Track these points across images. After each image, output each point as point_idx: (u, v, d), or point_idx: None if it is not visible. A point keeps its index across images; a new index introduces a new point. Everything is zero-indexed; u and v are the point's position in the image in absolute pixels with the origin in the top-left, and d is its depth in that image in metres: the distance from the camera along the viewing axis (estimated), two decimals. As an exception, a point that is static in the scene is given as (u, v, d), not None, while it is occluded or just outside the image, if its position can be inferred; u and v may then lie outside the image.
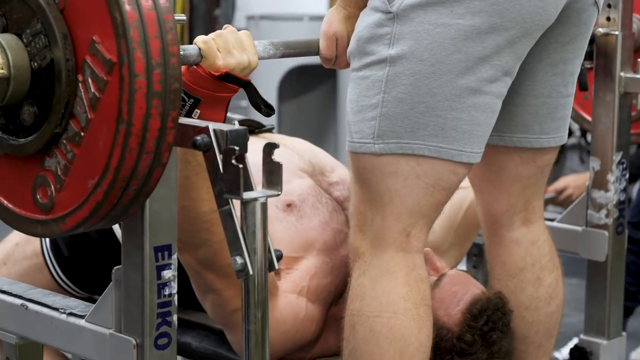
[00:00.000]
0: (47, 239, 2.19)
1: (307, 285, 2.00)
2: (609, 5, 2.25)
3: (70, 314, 1.63)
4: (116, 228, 2.12)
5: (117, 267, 1.54)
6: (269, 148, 1.46)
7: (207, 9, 5.91)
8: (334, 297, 2.05)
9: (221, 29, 1.76)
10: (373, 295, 1.79)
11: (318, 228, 2.05)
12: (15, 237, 2.24)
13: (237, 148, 1.40)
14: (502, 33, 1.73)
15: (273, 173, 1.46)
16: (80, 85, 1.39)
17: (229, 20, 5.75)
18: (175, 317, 1.53)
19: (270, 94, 5.09)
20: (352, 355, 1.81)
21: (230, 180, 1.41)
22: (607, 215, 2.30)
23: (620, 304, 2.36)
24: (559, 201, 3.63)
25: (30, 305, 1.67)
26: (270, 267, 1.47)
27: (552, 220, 2.37)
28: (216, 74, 1.70)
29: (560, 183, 3.68)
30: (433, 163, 1.76)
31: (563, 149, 2.03)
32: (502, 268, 2.03)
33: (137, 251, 1.50)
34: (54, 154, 1.43)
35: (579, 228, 2.34)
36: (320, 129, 5.70)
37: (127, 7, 1.34)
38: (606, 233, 2.30)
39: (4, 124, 1.48)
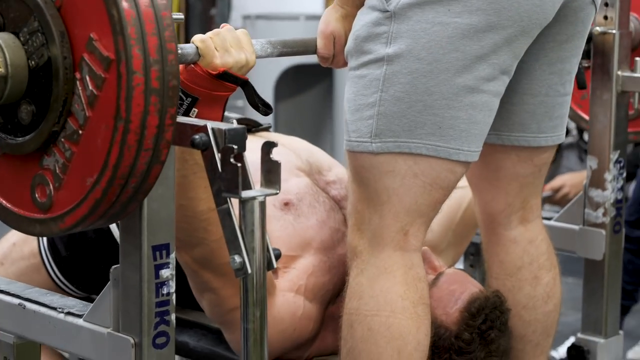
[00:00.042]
0: (45, 239, 2.19)
1: (304, 283, 2.00)
2: (606, 4, 2.26)
3: (68, 313, 1.62)
4: (114, 227, 2.12)
5: (115, 266, 1.54)
6: (267, 147, 1.46)
7: (203, 8, 5.91)
8: (331, 296, 2.05)
9: (217, 28, 1.76)
10: (371, 294, 1.79)
11: (315, 227, 2.05)
12: (13, 236, 2.24)
13: (235, 147, 1.40)
14: (500, 31, 1.73)
15: (271, 172, 1.46)
16: (78, 83, 1.39)
17: (225, 19, 5.75)
18: (173, 316, 1.53)
19: (266, 93, 5.09)
20: (350, 354, 1.81)
21: (228, 179, 1.41)
22: (604, 214, 2.30)
23: (617, 303, 2.36)
24: (556, 200, 3.63)
25: (28, 305, 1.67)
26: (269, 265, 1.47)
27: (549, 219, 2.37)
28: (214, 72, 1.70)
29: (556, 181, 3.68)
30: (430, 162, 1.76)
31: (560, 148, 2.03)
32: (500, 267, 2.03)
33: (135, 250, 1.49)
34: (52, 153, 1.43)
35: (576, 227, 2.34)
36: (317, 128, 5.70)
37: (124, 5, 1.34)
38: (603, 232, 2.30)
39: (2, 123, 1.48)
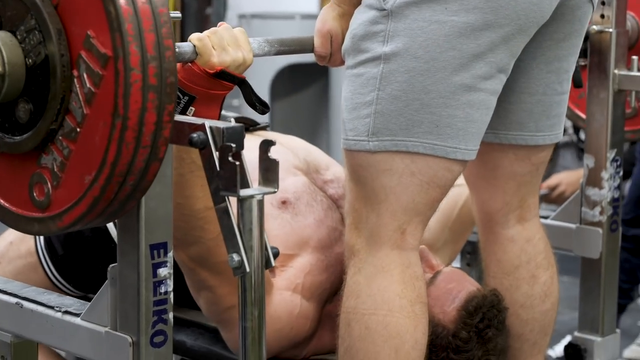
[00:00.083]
0: (42, 238, 2.19)
1: (301, 282, 2.00)
2: (603, 3, 2.26)
3: (66, 312, 1.62)
4: (111, 226, 2.12)
5: (113, 265, 1.53)
6: (265, 145, 1.45)
7: (198, 7, 5.91)
8: (328, 295, 2.05)
9: (213, 27, 1.76)
10: (368, 293, 1.79)
11: (313, 226, 2.05)
12: (10, 235, 2.24)
13: (233, 145, 1.40)
14: (497, 30, 1.72)
15: (269, 170, 1.46)
16: (75, 80, 1.39)
17: (221, 19, 5.74)
18: (171, 315, 1.52)
19: (262, 92, 5.08)
20: (347, 353, 1.81)
21: (226, 177, 1.41)
22: (601, 213, 2.30)
23: (614, 301, 2.36)
24: (552, 198, 3.64)
25: (25, 304, 1.67)
26: (267, 264, 1.47)
27: (546, 217, 2.37)
28: (211, 71, 1.70)
29: (552, 180, 3.68)
30: (428, 160, 1.76)
31: (556, 147, 2.03)
32: (497, 266, 2.03)
33: (132, 249, 1.49)
34: (50, 151, 1.43)
35: (573, 225, 2.34)
36: (313, 127, 5.70)
37: (121, 1, 1.34)
38: (600, 230, 2.30)
39: (-1, 122, 1.48)
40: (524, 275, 2.01)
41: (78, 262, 2.18)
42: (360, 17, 1.78)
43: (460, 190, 2.22)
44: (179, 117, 1.45)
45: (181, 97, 1.69)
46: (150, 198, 1.47)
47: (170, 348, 1.53)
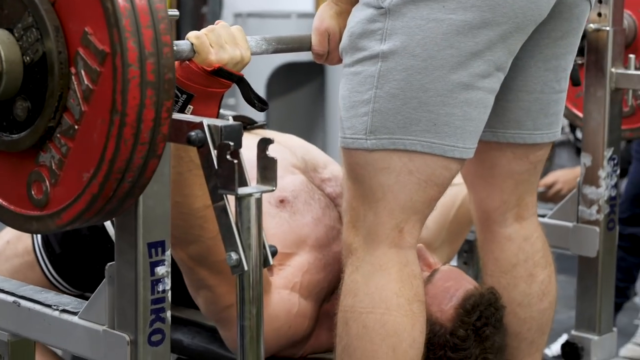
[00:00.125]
0: (39, 237, 2.18)
1: (299, 281, 1.99)
2: (600, 1, 2.26)
3: (63, 310, 1.62)
4: (108, 225, 2.11)
5: (111, 263, 1.53)
6: (264, 143, 1.45)
7: (194, 6, 5.90)
8: (326, 294, 2.04)
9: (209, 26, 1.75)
10: (366, 292, 1.79)
11: (311, 224, 2.05)
12: (7, 234, 2.23)
13: (231, 143, 1.40)
14: (494, 28, 1.72)
15: (267, 168, 1.45)
16: (73, 77, 1.38)
17: (217, 17, 5.72)
18: (169, 314, 1.52)
19: (258, 91, 5.06)
20: (345, 352, 1.81)
21: (224, 175, 1.41)
22: (598, 211, 2.30)
23: (611, 300, 2.36)
24: (548, 196, 3.63)
25: (23, 302, 1.66)
26: (265, 263, 1.47)
27: (543, 216, 2.37)
28: (209, 69, 1.70)
29: (549, 178, 3.68)
30: (425, 159, 1.76)
31: (553, 146, 2.03)
32: (495, 264, 2.03)
33: (130, 248, 1.49)
34: (48, 149, 1.42)
35: (570, 224, 2.34)
36: (309, 126, 5.69)
37: (119, -3, 1.34)
38: (597, 229, 2.30)
39: (-3, 121, 1.47)
40: (522, 273, 2.01)
41: (75, 260, 2.17)
42: (358, 15, 1.78)
43: (457, 189, 2.21)
44: (177, 115, 1.45)
45: (179, 95, 1.69)
46: (148, 196, 1.47)
47: (168, 347, 1.53)
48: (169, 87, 1.37)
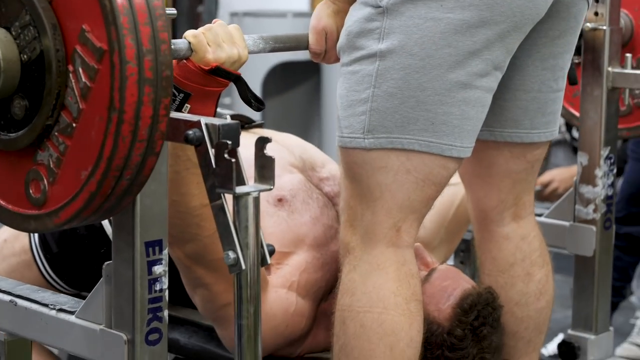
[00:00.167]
0: (36, 236, 2.18)
1: (297, 280, 1.99)
2: (597, 1, 2.25)
3: (60, 310, 1.61)
4: (105, 224, 2.11)
5: (108, 262, 1.53)
6: (261, 142, 1.45)
7: (190, 5, 5.89)
8: (324, 293, 2.04)
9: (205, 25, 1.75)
10: (363, 291, 1.79)
11: (309, 223, 2.04)
12: (4, 233, 2.23)
13: (229, 142, 1.40)
14: (492, 27, 1.72)
15: (265, 167, 1.45)
16: (70, 75, 1.38)
17: (213, 17, 5.72)
18: (166, 313, 1.52)
19: (254, 90, 5.06)
20: (342, 351, 1.81)
21: (222, 174, 1.40)
22: (594, 211, 2.30)
23: (607, 299, 2.36)
24: (545, 195, 3.63)
25: (19, 302, 1.66)
26: (263, 261, 1.46)
27: (539, 215, 2.37)
28: (206, 68, 1.70)
29: (545, 177, 3.68)
30: (423, 158, 1.76)
31: (549, 145, 2.03)
32: (492, 263, 2.03)
33: (127, 246, 1.49)
34: (45, 147, 1.42)
35: (566, 223, 2.34)
36: (305, 125, 5.69)
37: (116, -6, 1.34)
38: (594, 228, 2.30)
39: (-5, 119, 1.47)
40: (519, 273, 2.01)
41: (72, 259, 2.17)
42: (356, 14, 1.78)
43: (456, 189, 2.21)
44: (174, 114, 1.45)
45: (176, 94, 1.69)
46: (145, 195, 1.46)
47: (165, 346, 1.53)
48: (167, 84, 1.37)
